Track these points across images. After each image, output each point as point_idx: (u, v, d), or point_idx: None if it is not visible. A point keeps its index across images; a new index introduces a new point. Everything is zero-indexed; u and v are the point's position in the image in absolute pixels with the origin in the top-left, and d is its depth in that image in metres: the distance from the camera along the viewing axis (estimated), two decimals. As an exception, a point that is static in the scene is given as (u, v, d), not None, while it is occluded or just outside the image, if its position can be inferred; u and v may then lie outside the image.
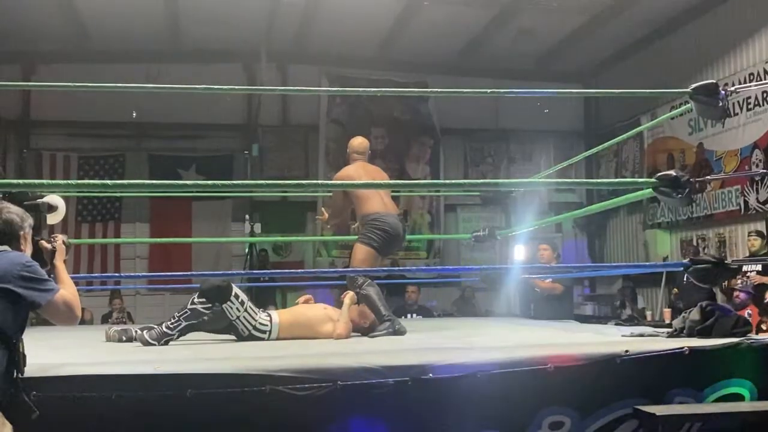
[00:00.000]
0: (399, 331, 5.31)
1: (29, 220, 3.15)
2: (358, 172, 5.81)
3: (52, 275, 3.11)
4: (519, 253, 9.92)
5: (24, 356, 2.89)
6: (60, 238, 3.28)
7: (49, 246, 3.21)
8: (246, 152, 12.51)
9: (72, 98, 11.23)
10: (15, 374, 2.81)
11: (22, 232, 3.08)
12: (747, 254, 8.95)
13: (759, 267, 8.08)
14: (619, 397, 3.58)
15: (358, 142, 6.09)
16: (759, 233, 8.88)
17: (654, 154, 12.04)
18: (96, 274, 11.48)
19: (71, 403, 3.07)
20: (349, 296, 5.27)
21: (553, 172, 8.59)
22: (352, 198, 5.80)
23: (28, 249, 3.12)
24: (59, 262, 3.21)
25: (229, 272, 10.34)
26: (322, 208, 6.30)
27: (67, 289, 3.01)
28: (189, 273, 10.50)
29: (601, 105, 13.75)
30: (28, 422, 2.83)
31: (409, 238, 13.14)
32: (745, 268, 8.13)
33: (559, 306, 7.64)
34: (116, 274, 11.71)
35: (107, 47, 11.79)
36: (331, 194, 6.50)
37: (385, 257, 6.03)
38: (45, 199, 3.72)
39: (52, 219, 3.78)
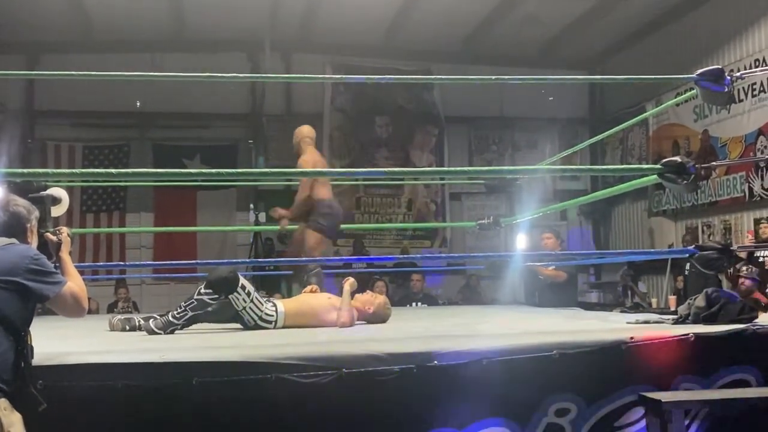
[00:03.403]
0: None
1: (35, 213, 3.15)
2: (316, 157, 6.47)
3: (57, 267, 3.12)
4: (522, 240, 9.91)
5: (32, 348, 2.90)
6: (65, 230, 3.28)
7: (54, 238, 3.21)
8: (250, 141, 12.51)
9: (76, 88, 11.23)
10: (22, 365, 2.83)
11: (29, 225, 3.09)
12: (754, 241, 8.96)
13: (769, 253, 8.11)
14: (625, 383, 3.58)
15: (309, 129, 6.78)
16: None
17: (659, 141, 12.01)
18: (101, 263, 11.50)
19: (77, 391, 3.08)
20: (348, 282, 5.24)
21: (558, 160, 8.57)
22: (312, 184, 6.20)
23: (33, 241, 3.12)
24: (65, 254, 3.21)
25: (234, 260, 10.33)
26: (277, 208, 6.76)
27: (74, 282, 3.02)
28: (194, 261, 10.53)
29: (606, 92, 13.71)
30: (36, 411, 2.84)
31: (415, 227, 13.19)
32: (759, 253, 8.15)
33: (564, 294, 7.61)
34: (121, 263, 11.72)
35: (111, 37, 11.77)
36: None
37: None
38: (49, 192, 3.73)
39: (57, 211, 3.79)
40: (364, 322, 5.25)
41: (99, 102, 11.84)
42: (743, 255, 8.18)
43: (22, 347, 2.83)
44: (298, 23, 11.93)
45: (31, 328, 2.92)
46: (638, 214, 12.84)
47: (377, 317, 5.31)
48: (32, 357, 2.90)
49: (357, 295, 5.31)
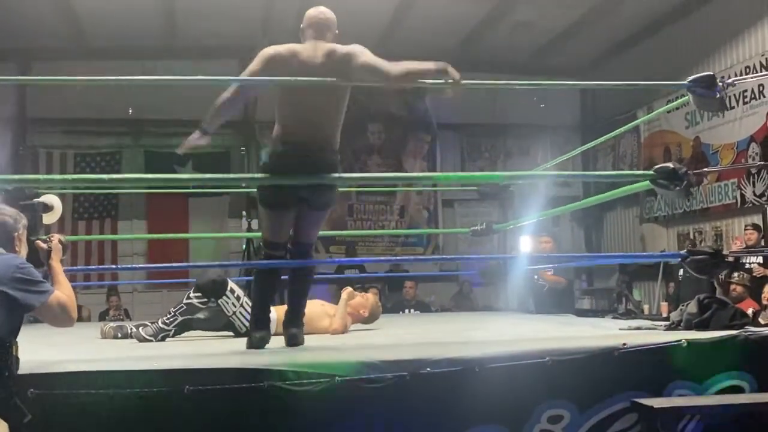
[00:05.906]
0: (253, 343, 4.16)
1: (23, 221, 3.11)
2: None
3: (48, 275, 3.09)
4: (517, 246, 9.90)
5: (17, 359, 2.85)
6: (56, 237, 3.23)
7: (44, 246, 3.17)
8: (243, 149, 12.49)
9: (68, 95, 11.18)
10: (6, 375, 2.78)
11: (15, 234, 3.05)
12: (743, 247, 8.96)
13: (760, 259, 8.09)
14: (617, 390, 3.57)
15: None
16: (755, 226, 8.89)
17: (651, 148, 12.04)
18: (92, 267, 11.47)
19: (68, 399, 3.06)
20: (347, 291, 5.26)
21: (550, 166, 8.57)
22: None
23: (23, 250, 3.09)
24: (55, 262, 3.16)
25: (227, 263, 10.35)
26: None
27: (62, 291, 2.97)
28: (186, 264, 10.52)
29: (598, 99, 13.74)
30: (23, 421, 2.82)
31: (407, 233, 13.19)
32: (745, 260, 8.15)
33: (562, 300, 7.57)
34: (112, 267, 11.69)
35: (103, 44, 11.75)
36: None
37: None
38: (41, 199, 3.70)
39: (49, 219, 3.76)
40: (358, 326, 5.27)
41: (91, 109, 11.80)
42: (731, 260, 8.19)
43: (7, 358, 2.79)
44: (291, 30, 11.83)
45: (21, 336, 2.89)
46: (630, 221, 12.85)
47: (372, 318, 5.37)
48: (17, 368, 2.86)
49: (351, 302, 5.32)
